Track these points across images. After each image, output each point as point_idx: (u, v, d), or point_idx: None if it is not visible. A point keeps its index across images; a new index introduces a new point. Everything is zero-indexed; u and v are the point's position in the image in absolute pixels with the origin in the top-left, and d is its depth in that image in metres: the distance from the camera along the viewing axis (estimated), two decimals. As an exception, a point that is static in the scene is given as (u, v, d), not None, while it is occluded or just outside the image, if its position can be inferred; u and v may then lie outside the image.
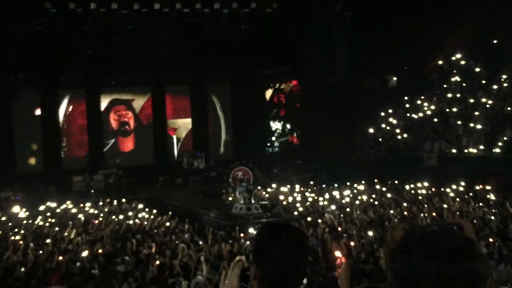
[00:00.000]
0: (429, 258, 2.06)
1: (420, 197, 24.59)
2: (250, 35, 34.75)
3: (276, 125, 41.00)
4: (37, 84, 35.61)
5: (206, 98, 39.57)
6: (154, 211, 24.73)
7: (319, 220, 20.28)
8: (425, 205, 22.14)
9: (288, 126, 40.52)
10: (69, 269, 13.79)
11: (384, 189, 27.84)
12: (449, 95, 36.52)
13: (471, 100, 34.76)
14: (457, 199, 23.02)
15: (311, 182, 32.16)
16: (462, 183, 26.44)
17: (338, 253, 11.22)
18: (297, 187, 30.76)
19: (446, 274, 2.03)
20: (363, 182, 29.43)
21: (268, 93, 41.03)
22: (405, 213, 20.73)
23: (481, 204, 21.78)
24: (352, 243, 15.40)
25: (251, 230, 18.55)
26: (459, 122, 33.59)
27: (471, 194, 24.51)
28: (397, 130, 36.11)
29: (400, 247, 2.15)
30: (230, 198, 28.17)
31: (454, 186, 25.97)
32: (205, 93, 39.68)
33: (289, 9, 32.72)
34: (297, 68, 37.70)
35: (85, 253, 14.66)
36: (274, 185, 31.26)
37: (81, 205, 27.15)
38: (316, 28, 34.53)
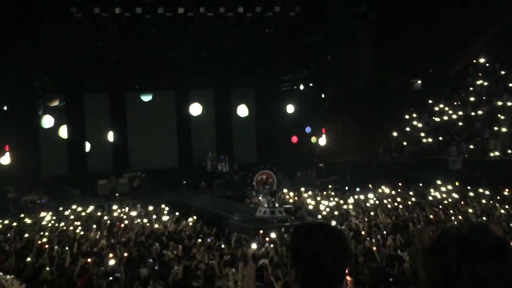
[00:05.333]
0: (463, 259, 2.03)
1: (445, 201, 24.37)
2: (274, 38, 34.74)
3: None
4: (63, 88, 35.91)
5: (229, 101, 39.58)
6: (178, 214, 24.75)
7: (341, 226, 20.15)
8: (450, 209, 21.95)
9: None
10: (94, 273, 13.85)
11: (409, 192, 27.62)
12: (474, 98, 36.24)
13: (499, 103, 34.44)
14: (483, 202, 22.81)
15: (332, 186, 32.00)
16: (487, 187, 26.17)
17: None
18: (321, 190, 30.68)
19: (480, 275, 2.00)
20: (387, 185, 29.26)
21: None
22: (431, 216, 20.56)
23: (507, 207, 21.54)
24: (374, 248, 15.29)
25: (273, 234, 18.50)
26: (484, 126, 33.30)
27: (497, 197, 24.23)
28: (422, 134, 35.89)
29: (435, 247, 2.12)
30: (255, 202, 28.15)
31: (480, 190, 25.71)
32: (229, 97, 39.69)
33: (313, 12, 32.66)
34: (321, 71, 37.59)
35: (112, 262, 14.65)
36: (298, 189, 31.18)
37: (106, 208, 27.30)
38: (340, 31, 34.47)
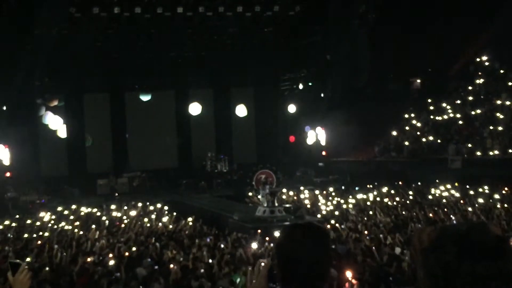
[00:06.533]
0: (462, 257, 2.03)
1: (444, 200, 24.39)
2: (273, 38, 34.72)
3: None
4: (63, 89, 35.88)
5: (229, 101, 39.57)
6: (178, 214, 24.75)
7: (340, 225, 20.15)
8: (450, 208, 21.97)
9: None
10: (93, 272, 13.86)
11: (409, 192, 27.62)
12: (474, 97, 36.24)
13: (498, 102, 34.45)
14: (482, 202, 22.83)
15: (333, 185, 32.00)
16: (487, 186, 26.20)
17: (348, 274, 11.08)
18: (321, 190, 30.67)
19: (480, 274, 2.00)
20: (386, 185, 29.27)
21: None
22: (430, 215, 20.59)
23: (506, 206, 21.58)
24: (373, 247, 15.31)
25: (277, 233, 18.47)
26: (483, 124, 33.32)
27: (496, 196, 24.24)
28: (421, 133, 35.91)
29: (434, 246, 2.12)
30: (254, 201, 28.15)
31: (479, 189, 25.74)
32: (228, 96, 39.68)
33: (312, 11, 32.65)
34: (320, 71, 37.57)
35: (111, 262, 14.67)
36: (297, 188, 31.18)
37: (105, 208, 27.30)
38: (340, 30, 34.44)
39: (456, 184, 27.60)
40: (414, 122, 37.50)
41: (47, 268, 13.78)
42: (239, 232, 19.96)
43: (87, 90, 36.79)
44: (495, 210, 20.90)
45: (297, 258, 2.80)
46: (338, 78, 35.74)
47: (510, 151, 30.37)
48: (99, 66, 34.66)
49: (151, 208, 27.00)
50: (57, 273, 13.79)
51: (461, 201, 23.53)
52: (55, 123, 34.40)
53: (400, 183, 29.67)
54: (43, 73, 34.04)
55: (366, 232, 18.17)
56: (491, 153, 30.95)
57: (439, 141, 34.35)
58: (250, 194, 29.84)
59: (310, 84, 39.24)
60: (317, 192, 30.13)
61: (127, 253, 15.88)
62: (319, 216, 23.06)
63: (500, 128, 31.99)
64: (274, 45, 35.59)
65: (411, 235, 16.01)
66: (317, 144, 38.31)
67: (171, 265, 14.01)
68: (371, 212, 22.54)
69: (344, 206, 24.67)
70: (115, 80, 37.03)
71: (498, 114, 33.41)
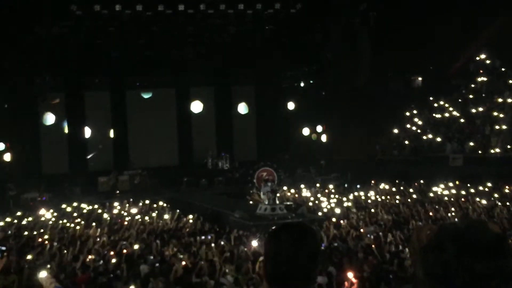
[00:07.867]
0: (462, 255, 2.04)
1: (445, 198, 24.39)
2: (274, 36, 34.71)
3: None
4: (63, 86, 35.88)
5: (230, 98, 39.57)
6: (179, 211, 24.75)
7: (342, 222, 20.17)
8: (451, 206, 21.97)
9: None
10: (94, 270, 13.87)
11: (410, 190, 27.63)
12: (475, 95, 36.22)
13: (500, 100, 34.42)
14: (483, 200, 22.82)
15: (333, 184, 31.98)
16: (489, 184, 26.19)
17: (350, 275, 11.10)
18: (322, 187, 30.67)
19: (479, 272, 2.01)
20: (387, 182, 29.27)
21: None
22: (430, 213, 20.59)
23: (508, 203, 21.58)
24: (373, 246, 15.32)
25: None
26: (485, 122, 33.30)
27: (496, 195, 24.24)
28: (422, 131, 35.91)
29: (433, 244, 2.13)
30: (255, 199, 28.13)
31: (480, 187, 25.73)
32: (229, 94, 39.66)
33: (313, 9, 32.66)
34: (321, 69, 37.54)
35: (113, 259, 14.69)
36: (298, 186, 31.18)
37: (107, 205, 27.29)
38: (340, 28, 34.44)
39: (457, 182, 27.60)
40: (415, 120, 37.49)
41: (48, 266, 13.78)
42: (240, 230, 19.97)
43: (88, 87, 36.77)
44: (496, 208, 20.90)
45: (278, 257, 2.80)
46: (339, 76, 35.73)
47: (509, 146, 30.36)
48: (100, 63, 34.66)
49: (152, 205, 26.98)
50: (58, 270, 13.79)
51: (462, 199, 23.53)
52: (50, 119, 34.52)
53: (401, 181, 29.68)
54: (44, 71, 34.08)
55: (364, 230, 18.16)
56: (492, 151, 30.95)
57: (439, 139, 34.33)
58: (250, 192, 29.81)
59: (311, 82, 39.23)
60: (318, 190, 30.14)
61: (128, 251, 15.89)
62: (320, 214, 23.07)
63: (504, 127, 31.92)
64: (275, 43, 35.58)
65: (412, 233, 16.02)
66: (318, 142, 38.30)
67: (174, 263, 14.02)
68: (372, 210, 22.55)
69: (345, 204, 24.67)
70: (116, 78, 36.99)
71: (500, 112, 33.38)
